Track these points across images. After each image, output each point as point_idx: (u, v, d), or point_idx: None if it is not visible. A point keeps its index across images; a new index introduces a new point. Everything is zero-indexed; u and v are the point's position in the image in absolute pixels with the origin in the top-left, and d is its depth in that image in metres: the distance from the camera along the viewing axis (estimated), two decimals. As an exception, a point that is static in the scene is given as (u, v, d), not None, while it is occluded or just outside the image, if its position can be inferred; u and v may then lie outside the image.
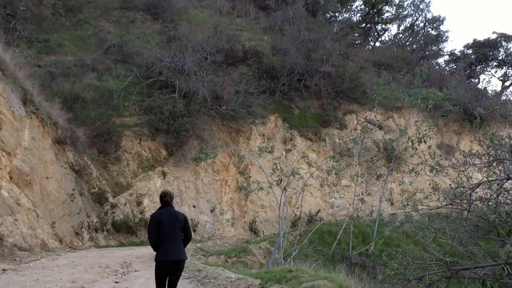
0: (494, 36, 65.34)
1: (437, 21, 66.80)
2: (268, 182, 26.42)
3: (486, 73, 67.73)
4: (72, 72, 35.07)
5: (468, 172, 19.90)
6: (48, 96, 28.93)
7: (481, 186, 18.18)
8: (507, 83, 66.47)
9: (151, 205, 29.91)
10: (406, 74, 40.24)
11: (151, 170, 31.89)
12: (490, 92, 61.04)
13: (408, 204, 28.69)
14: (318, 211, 36.25)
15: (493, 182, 18.22)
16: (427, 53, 65.38)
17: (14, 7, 39.19)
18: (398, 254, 24.62)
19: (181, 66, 36.76)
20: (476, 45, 66.24)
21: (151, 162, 32.20)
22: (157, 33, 43.53)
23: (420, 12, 67.18)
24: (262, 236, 32.99)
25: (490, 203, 18.20)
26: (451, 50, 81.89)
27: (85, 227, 26.33)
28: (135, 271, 17.15)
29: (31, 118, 24.48)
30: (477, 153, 20.25)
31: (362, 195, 31.75)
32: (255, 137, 36.71)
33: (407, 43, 66.50)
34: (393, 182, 39.75)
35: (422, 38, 66.28)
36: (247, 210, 34.75)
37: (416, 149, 30.62)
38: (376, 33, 69.64)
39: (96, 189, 28.79)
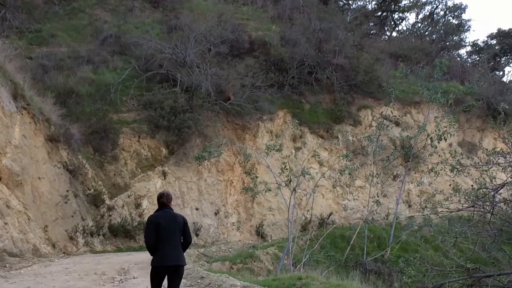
0: (520, 25, 65.20)
1: (458, 9, 66.71)
2: (277, 183, 26.46)
3: (511, 65, 67.67)
4: (66, 64, 35.11)
5: (492, 172, 19.85)
6: (40, 91, 28.97)
7: (505, 186, 18.14)
8: (534, 76, 66.39)
9: (150, 208, 29.90)
10: (425, 67, 40.02)
11: (150, 170, 31.93)
12: (515, 85, 60.84)
13: (427, 207, 28.61)
14: (330, 214, 36.24)
15: (518, 182, 18.19)
16: (447, 43, 65.30)
17: (3, -5, 39.31)
18: (416, 260, 24.61)
19: (182, 58, 36.79)
20: (501, 35, 66.08)
21: (151, 161, 32.24)
22: (157, 23, 43.57)
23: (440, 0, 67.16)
24: (269, 240, 33.02)
25: (515, 205, 18.17)
26: (474, 41, 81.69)
27: (79, 231, 26.35)
28: (133, 278, 17.18)
29: (22, 114, 24.53)
30: (501, 151, 20.20)
31: (378, 196, 31.73)
32: (263, 134, 36.72)
33: (426, 33, 66.34)
34: (411, 182, 39.71)
35: (442, 28, 66.17)
36: (254, 213, 34.78)
37: (436, 147, 30.56)
38: (392, 22, 69.57)
39: (92, 190, 28.82)
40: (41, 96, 28.23)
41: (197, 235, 31.40)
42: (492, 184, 18.77)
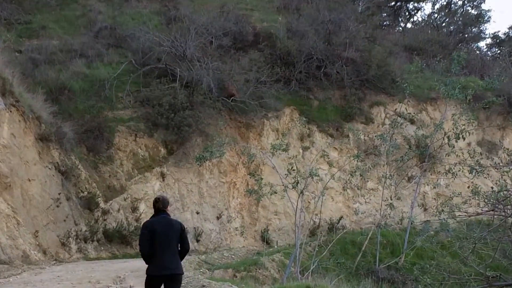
0: (544, 16, 65.13)
1: (478, -2, 66.64)
2: (283, 185, 26.43)
3: (535, 58, 67.47)
4: (57, 58, 35.16)
5: (513, 173, 19.85)
6: (30, 86, 29.01)
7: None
8: (559, 70, 66.18)
9: (148, 211, 29.87)
10: (442, 60, 39.98)
11: (148, 171, 31.95)
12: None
13: (443, 210, 28.60)
14: (340, 218, 36.22)
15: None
16: (466, 35, 65.15)
17: (-10, -16, 39.36)
18: (432, 267, 24.65)
19: (182, 52, 36.81)
20: (523, 26, 65.96)
21: (148, 162, 32.27)
22: (155, 14, 43.61)
23: (458, -12, 67.06)
24: (275, 247, 32.99)
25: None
26: (494, 32, 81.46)
27: (72, 236, 26.38)
28: (130, 287, 17.20)
29: (11, 112, 24.55)
30: (523, 151, 20.19)
31: (391, 199, 31.71)
32: (268, 133, 36.73)
33: (443, 24, 66.26)
34: (427, 184, 39.65)
35: (461, 19, 66.02)
36: (259, 217, 34.79)
37: (453, 147, 30.53)
38: (407, 13, 69.48)
39: (85, 193, 28.84)
40: (31, 92, 28.26)
41: (198, 241, 31.42)
42: (514, 187, 18.76)
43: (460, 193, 27.72)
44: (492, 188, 23.35)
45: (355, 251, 31.20)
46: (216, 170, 33.91)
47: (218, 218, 33.22)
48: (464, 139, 30.75)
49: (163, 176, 32.13)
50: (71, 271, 20.74)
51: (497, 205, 18.06)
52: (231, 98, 35.72)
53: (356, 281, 24.54)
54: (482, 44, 68.24)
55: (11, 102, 24.72)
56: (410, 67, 40.51)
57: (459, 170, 29.14)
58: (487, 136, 45.20)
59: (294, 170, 26.20)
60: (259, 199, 29.42)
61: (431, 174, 39.19)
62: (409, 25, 68.54)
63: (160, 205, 11.38)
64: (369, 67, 42.23)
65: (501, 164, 21.15)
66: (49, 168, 26.68)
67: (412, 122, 40.63)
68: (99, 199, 29.38)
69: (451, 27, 64.57)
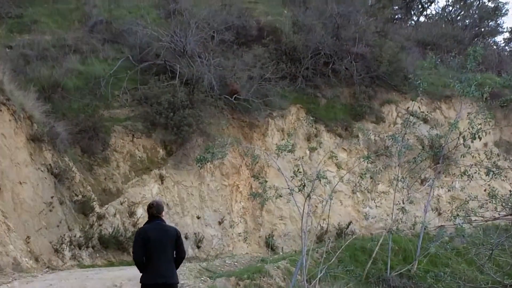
0: None
1: (495, -10, 66.61)
2: (289, 188, 26.40)
3: (555, 54, 67.41)
4: (50, 54, 35.17)
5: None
6: (21, 84, 28.96)
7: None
8: None
9: (146, 216, 29.56)
10: (457, 56, 39.98)
11: (146, 173, 31.96)
12: (560, 77, 60.64)
13: (459, 215, 28.55)
14: (349, 223, 36.23)
15: None
16: (482, 29, 65.08)
17: (-21, -25, 39.43)
18: (446, 275, 24.60)
19: (182, 47, 36.83)
20: (544, 20, 65.91)
21: (146, 163, 32.29)
22: (154, 7, 43.67)
23: (474, -21, 67.00)
24: (281, 253, 33.01)
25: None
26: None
27: (66, 242, 26.33)
28: (127, 296, 17.22)
29: (1, 111, 24.57)
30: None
31: (403, 203, 31.69)
32: (273, 133, 36.77)
33: (458, 17, 66.24)
34: (441, 187, 39.53)
35: (477, 12, 65.96)
36: (263, 222, 34.80)
37: (469, 147, 30.45)
38: (420, 6, 69.44)
39: (80, 196, 28.82)
40: (23, 90, 28.21)
41: (198, 247, 31.43)
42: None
43: (476, 196, 27.70)
44: (510, 191, 23.32)
45: (365, 258, 31.17)
46: (218, 172, 33.94)
47: (220, 223, 33.23)
48: (480, 139, 30.64)
49: (161, 178, 32.14)
50: (64, 279, 20.74)
51: (515, 209, 18.05)
52: (234, 96, 35.70)
53: (366, 289, 24.54)
54: (499, 38, 68.59)
55: (1, 100, 24.73)
56: (423, 63, 40.58)
57: (475, 172, 29.08)
58: (505, 136, 45.19)
59: (300, 172, 26.14)
60: (263, 203, 29.43)
61: (445, 177, 39.14)
62: (422, 19, 68.62)
63: (154, 210, 11.46)
64: (380, 63, 42.22)
65: (519, 166, 21.14)
66: (41, 170, 26.66)
67: (425, 121, 40.60)
68: (94, 203, 29.33)
69: (467, 21, 64.57)
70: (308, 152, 37.20)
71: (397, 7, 65.53)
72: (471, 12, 66.22)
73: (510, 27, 72.24)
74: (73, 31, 38.52)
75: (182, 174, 32.75)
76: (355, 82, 41.27)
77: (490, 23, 66.17)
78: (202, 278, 23.20)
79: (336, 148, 37.19)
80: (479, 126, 30.17)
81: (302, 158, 33.27)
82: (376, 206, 37.44)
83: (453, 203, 36.95)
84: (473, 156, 30.97)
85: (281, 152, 27.47)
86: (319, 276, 25.69)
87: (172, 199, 31.78)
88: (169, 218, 29.86)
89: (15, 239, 23.08)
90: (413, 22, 66.78)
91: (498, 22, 66.78)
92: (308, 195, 26.10)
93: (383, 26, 49.00)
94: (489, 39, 65.76)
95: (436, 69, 43.83)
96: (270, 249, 32.81)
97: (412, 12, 69.24)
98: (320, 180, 26.94)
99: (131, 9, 42.48)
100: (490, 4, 66.21)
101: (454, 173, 36.97)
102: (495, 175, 26.02)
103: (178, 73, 34.91)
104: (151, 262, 10.93)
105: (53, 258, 25.41)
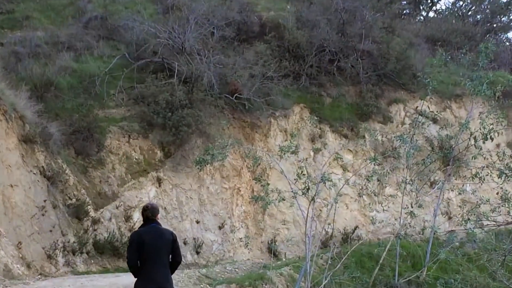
0: None
1: (507, -16, 66.52)
2: (292, 191, 26.42)
3: None
4: (43, 51, 35.18)
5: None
6: (12, 82, 28.96)
7: None
8: None
9: (142, 220, 29.85)
10: (468, 53, 39.91)
11: (143, 176, 31.94)
12: None
13: (470, 219, 28.55)
14: (356, 227, 36.23)
15: None
16: (494, 25, 64.99)
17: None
18: (457, 282, 24.62)
19: (181, 44, 36.80)
20: (559, 14, 65.87)
21: (143, 166, 32.27)
22: (151, 2, 43.65)
23: (485, -27, 66.93)
24: (284, 259, 33.02)
25: None
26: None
27: (59, 248, 26.33)
28: (122, 304, 17.24)
29: (-9, 111, 24.61)
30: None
31: (412, 207, 31.65)
32: (275, 133, 36.76)
33: (469, 12, 66.15)
34: (451, 190, 39.59)
35: (489, 6, 65.86)
36: (265, 227, 34.81)
37: (481, 148, 30.42)
38: (429, 0, 69.38)
39: (74, 200, 28.78)
40: (14, 89, 28.23)
41: (198, 253, 31.43)
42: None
43: (488, 199, 27.70)
44: (524, 194, 23.31)
45: (372, 264, 31.17)
46: (218, 174, 33.94)
47: (220, 227, 33.23)
48: (492, 140, 30.63)
49: (159, 181, 32.13)
50: (57, 286, 20.76)
51: (529, 214, 18.03)
52: (235, 95, 35.63)
53: (373, 297, 24.54)
54: (512, 34, 68.18)
55: (-9, 100, 24.78)
56: (433, 60, 40.41)
57: (487, 175, 29.07)
58: (518, 136, 45.17)
59: (304, 174, 26.18)
60: (265, 206, 29.37)
61: (456, 179, 39.13)
62: (431, 14, 68.51)
63: (149, 213, 11.47)
64: (387, 60, 42.19)
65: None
66: (33, 173, 26.66)
67: (434, 121, 40.62)
68: (89, 207, 29.28)
69: (478, 16, 64.43)
70: (312, 153, 37.21)
71: (405, 2, 65.55)
72: (483, 6, 66.12)
73: (524, 23, 71.90)
74: (66, 27, 38.52)
75: (180, 176, 32.75)
76: (361, 80, 41.24)
77: (503, 18, 66.08)
78: (201, 285, 23.24)
79: (342, 150, 37.19)
80: (491, 126, 30.15)
81: (306, 160, 33.25)
82: (384, 210, 37.39)
83: (464, 206, 36.72)
84: (484, 158, 30.96)
85: (284, 154, 27.49)
86: (324, 283, 25.72)
87: (170, 202, 31.79)
88: (167, 223, 29.88)
89: (6, 245, 23.09)
90: (422, 17, 66.75)
91: (511, 17, 66.77)
92: (312, 199, 26.12)
93: (391, 22, 48.96)
94: (502, 35, 65.77)
95: (446, 67, 43.81)
96: (272, 255, 32.76)
97: (421, 7, 69.19)
98: (324, 183, 26.95)
99: (127, 4, 42.48)
100: (503, -1, 66.21)
101: (465, 176, 36.98)
102: (507, 178, 25.99)
103: (176, 71, 34.89)
104: (145, 267, 10.95)
105: (45, 264, 25.43)
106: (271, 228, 34.81)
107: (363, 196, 35.24)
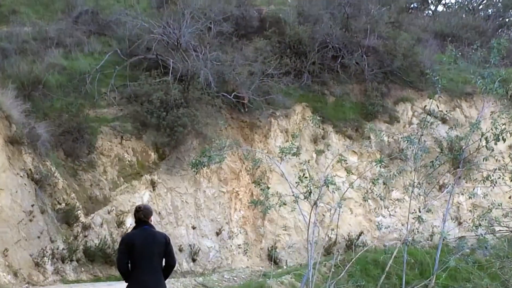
0: None
1: (520, -23, 66.56)
2: (293, 195, 26.44)
3: None
4: (30, 47, 35.20)
5: None
6: (-2, 80, 29.07)
7: None
8: None
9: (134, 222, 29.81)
10: (479, 49, 39.93)
11: (136, 179, 31.95)
12: None
13: (481, 224, 28.55)
14: (360, 233, 36.27)
15: None
16: (507, 20, 65.09)
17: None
18: (467, 291, 24.58)
19: (176, 40, 36.83)
20: None
21: (136, 168, 32.28)
22: (144, -5, 43.74)
23: (497, -34, 67.01)
24: (284, 267, 33.04)
25: None
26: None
27: (48, 255, 26.30)
28: (114, 314, 17.25)
29: (-24, 110, 24.61)
30: None
31: (420, 212, 31.65)
32: (276, 134, 36.78)
33: (480, 6, 66.24)
34: (461, 194, 39.39)
35: (501, 0, 66.00)
36: (265, 233, 34.82)
37: (492, 150, 30.42)
38: (438, -6, 69.58)
39: (63, 204, 28.77)
40: (0, 87, 28.26)
41: (194, 260, 31.43)
42: None
43: (501, 204, 27.71)
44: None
45: (377, 272, 31.19)
46: (215, 177, 33.95)
47: (217, 233, 33.24)
48: (504, 140, 30.59)
49: (153, 184, 32.13)
50: (46, 296, 20.77)
51: (543, 219, 18.05)
52: (233, 94, 35.62)
53: (379, 307, 24.53)
54: (526, 30, 68.17)
55: (-24, 99, 24.79)
56: (442, 57, 40.50)
57: (499, 177, 29.04)
58: (532, 137, 45.17)
59: (306, 177, 26.15)
60: (265, 211, 29.31)
61: (466, 182, 38.99)
62: (440, 8, 68.64)
63: (141, 215, 11.47)
64: (394, 57, 42.21)
65: (548, 171, 21.09)
66: (20, 176, 26.66)
67: (444, 121, 40.58)
68: (79, 212, 29.25)
69: (489, 10, 64.51)
70: (314, 155, 37.19)
71: (413, -5, 65.70)
72: (495, 0, 66.22)
73: (538, 17, 72.01)
74: (55, 22, 38.54)
75: (175, 179, 32.76)
76: (367, 78, 41.26)
77: (516, 12, 66.25)
78: (198, 295, 23.25)
79: (346, 151, 37.18)
80: (503, 127, 30.12)
81: (308, 162, 33.19)
82: (390, 215, 37.46)
83: (475, 211, 36.77)
84: (496, 160, 31.02)
85: (285, 156, 27.48)
86: (327, 292, 25.74)
87: (165, 207, 31.80)
88: (161, 228, 29.82)
89: (-8, 252, 23.12)
90: (430, 11, 66.86)
91: (525, 12, 66.90)
92: (315, 203, 26.11)
93: (397, 16, 49.02)
94: (515, 31, 65.86)
95: (456, 64, 43.49)
96: (273, 263, 32.80)
97: (430, 1, 69.28)
98: (328, 186, 26.95)
99: (120, -3, 42.62)
100: (516, -8, 66.26)
101: (476, 179, 36.82)
102: (521, 181, 26.03)
103: (171, 68, 34.90)
104: (136, 271, 10.95)
105: (33, 272, 25.42)
106: (271, 234, 34.82)
107: (368, 200, 35.22)
